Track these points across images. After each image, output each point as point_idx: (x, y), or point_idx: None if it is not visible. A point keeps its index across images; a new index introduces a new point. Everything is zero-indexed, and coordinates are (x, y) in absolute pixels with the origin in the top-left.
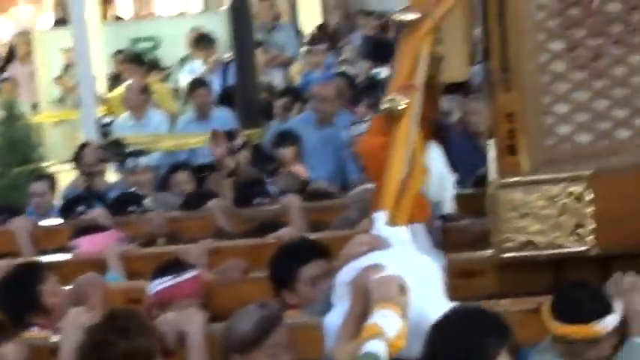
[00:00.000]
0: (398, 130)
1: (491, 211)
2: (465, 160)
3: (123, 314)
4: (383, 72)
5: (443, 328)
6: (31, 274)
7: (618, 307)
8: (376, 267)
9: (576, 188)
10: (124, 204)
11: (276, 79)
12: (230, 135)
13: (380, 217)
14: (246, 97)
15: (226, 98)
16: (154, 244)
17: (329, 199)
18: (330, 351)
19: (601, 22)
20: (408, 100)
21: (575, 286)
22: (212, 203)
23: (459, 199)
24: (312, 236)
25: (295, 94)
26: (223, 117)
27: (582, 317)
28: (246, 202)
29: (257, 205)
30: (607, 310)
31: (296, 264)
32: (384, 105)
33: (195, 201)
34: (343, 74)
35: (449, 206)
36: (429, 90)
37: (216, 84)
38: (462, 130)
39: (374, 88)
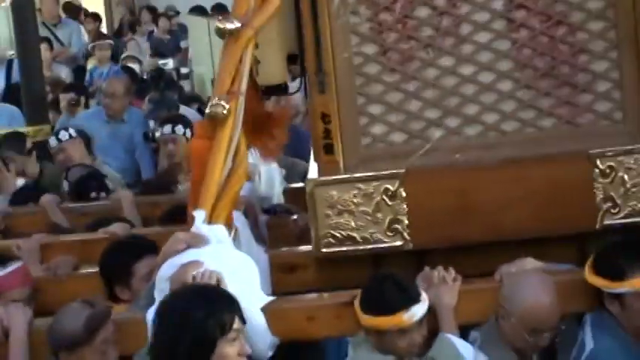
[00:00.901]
0: (221, 134)
1: (310, 208)
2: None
3: None
4: (170, 63)
5: (173, 307)
6: None
7: (425, 297)
8: (195, 263)
9: (391, 186)
10: None
11: (62, 74)
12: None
13: (199, 216)
14: (31, 93)
15: (11, 95)
16: None
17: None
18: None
19: (411, 26)
20: (230, 105)
21: (380, 278)
22: (45, 198)
23: (288, 193)
24: (144, 231)
25: (81, 90)
26: (9, 113)
27: (389, 308)
28: (82, 196)
29: (93, 200)
30: (413, 300)
31: (130, 260)
32: (209, 110)
33: (27, 196)
34: (127, 69)
35: (277, 200)
36: (253, 92)
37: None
38: None
39: (160, 79)
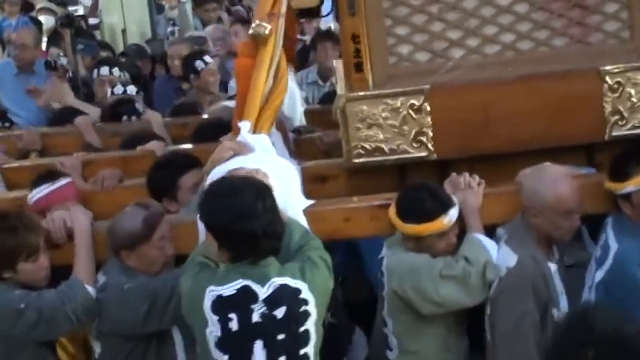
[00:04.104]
0: (263, 52)
1: (341, 122)
2: None
3: (12, 214)
4: (80, 9)
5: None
6: None
7: (456, 200)
8: (241, 170)
9: (416, 101)
10: None
11: None
12: None
13: (245, 126)
14: None
15: None
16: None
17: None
18: (201, 243)
19: None
20: (272, 26)
21: (414, 188)
22: (79, 119)
23: (308, 114)
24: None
25: None
26: None
27: (429, 215)
28: (115, 119)
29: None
30: (449, 204)
31: (176, 174)
32: (252, 30)
33: (62, 117)
34: (36, 20)
35: (299, 121)
36: (289, 14)
37: None
38: None
39: (70, 26)
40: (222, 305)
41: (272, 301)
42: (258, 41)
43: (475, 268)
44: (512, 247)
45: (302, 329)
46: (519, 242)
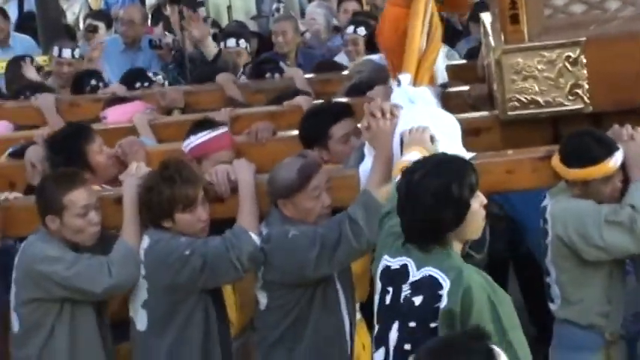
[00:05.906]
0: (418, 3)
1: (496, 74)
2: None
3: (173, 165)
4: None
5: (427, 184)
6: (80, 133)
7: (619, 145)
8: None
9: (572, 53)
10: (134, 79)
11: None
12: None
13: (405, 78)
14: (47, 22)
15: (25, 25)
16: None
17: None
18: (365, 185)
19: None
20: None
21: (578, 134)
22: (222, 76)
23: (451, 69)
24: None
25: (101, 17)
26: (24, 43)
27: (595, 159)
28: (258, 77)
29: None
30: (614, 147)
31: (328, 123)
32: None
33: (205, 75)
34: None
35: (442, 76)
36: None
37: (13, 11)
38: None
39: (177, 2)
40: (387, 276)
41: (416, 287)
42: None
43: None
44: None
45: (433, 325)
46: None
